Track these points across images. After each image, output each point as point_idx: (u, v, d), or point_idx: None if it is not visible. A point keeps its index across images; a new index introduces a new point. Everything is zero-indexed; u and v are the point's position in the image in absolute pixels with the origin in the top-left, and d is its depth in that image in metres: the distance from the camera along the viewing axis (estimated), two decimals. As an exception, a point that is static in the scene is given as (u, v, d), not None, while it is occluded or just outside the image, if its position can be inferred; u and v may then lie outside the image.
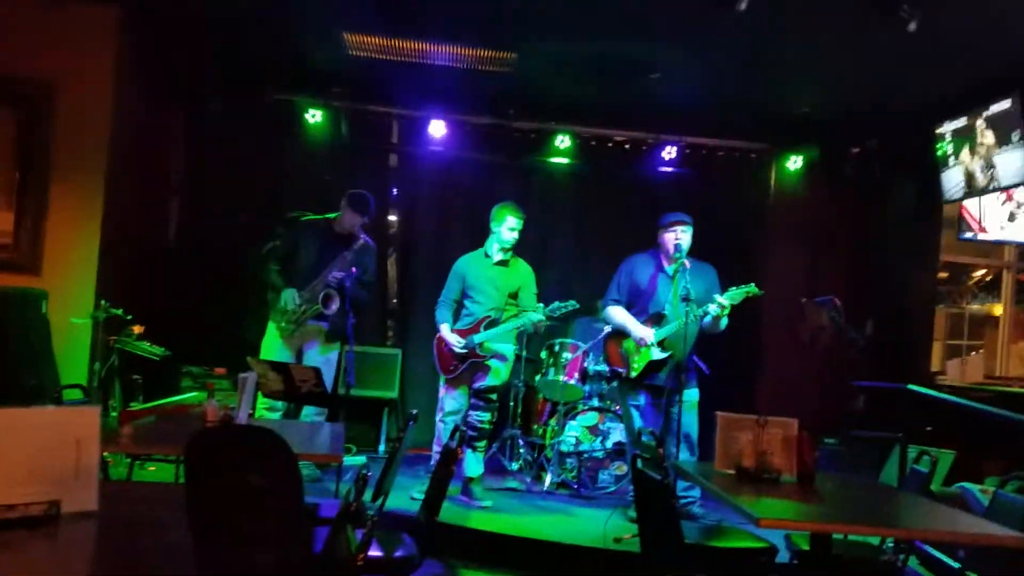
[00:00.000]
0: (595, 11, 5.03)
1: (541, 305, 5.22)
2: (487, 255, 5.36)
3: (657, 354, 4.97)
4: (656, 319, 5.04)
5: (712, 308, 4.78)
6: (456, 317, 5.42)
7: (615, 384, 5.86)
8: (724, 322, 4.91)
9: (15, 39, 5.44)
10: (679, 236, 5.01)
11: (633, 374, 5.06)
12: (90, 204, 5.53)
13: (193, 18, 5.78)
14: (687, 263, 4.92)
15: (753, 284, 4.80)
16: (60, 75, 5.48)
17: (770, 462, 3.29)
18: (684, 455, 4.94)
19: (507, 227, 5.24)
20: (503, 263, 5.34)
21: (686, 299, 4.74)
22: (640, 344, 5.01)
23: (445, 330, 5.29)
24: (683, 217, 5.07)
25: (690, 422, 5.02)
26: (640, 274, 5.16)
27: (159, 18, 5.77)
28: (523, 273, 5.41)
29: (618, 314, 5.17)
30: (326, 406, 5.31)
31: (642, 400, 5.08)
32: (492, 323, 5.25)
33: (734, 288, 4.81)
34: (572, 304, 5.19)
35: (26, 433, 2.04)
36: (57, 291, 5.32)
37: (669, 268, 5.10)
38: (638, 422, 5.05)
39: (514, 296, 5.36)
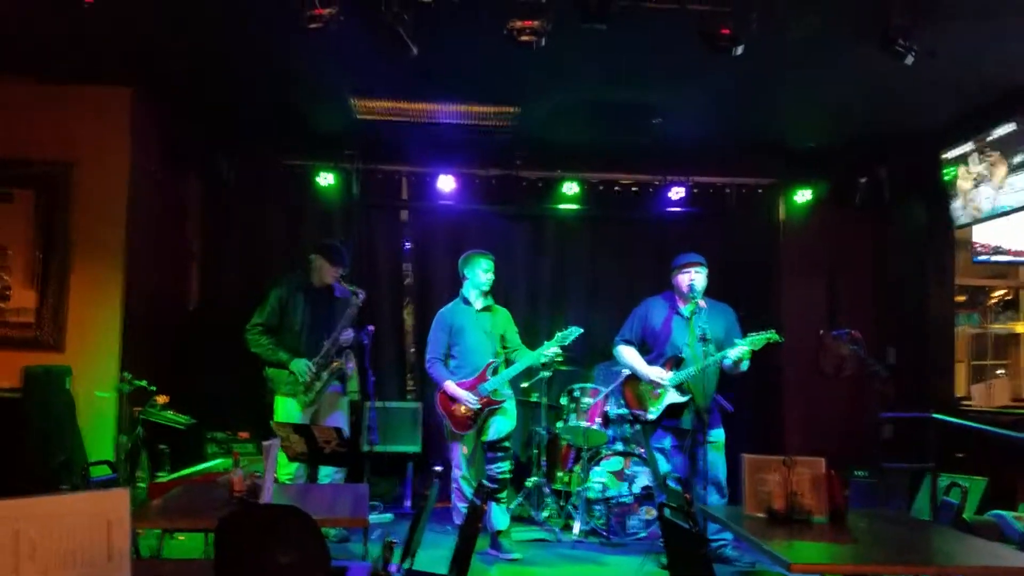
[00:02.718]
0: (594, 63, 5.12)
1: (547, 340, 5.24)
2: (467, 303, 5.40)
3: (676, 397, 4.95)
4: (675, 362, 5.03)
5: (733, 353, 4.78)
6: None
7: (638, 427, 5.84)
8: (745, 364, 4.89)
9: (32, 123, 5.61)
10: (693, 277, 5.02)
11: (651, 416, 5.04)
12: (111, 278, 5.63)
13: (204, 93, 5.93)
14: (703, 303, 4.93)
15: (774, 331, 4.80)
16: (77, 155, 5.63)
17: (800, 503, 3.27)
18: (714, 498, 4.89)
19: (482, 270, 5.35)
20: (487, 309, 5.40)
21: (703, 339, 4.74)
22: (654, 384, 4.99)
23: (452, 387, 5.26)
24: (697, 258, 5.08)
25: (718, 464, 4.97)
26: (655, 317, 5.16)
27: (171, 94, 5.93)
28: (505, 316, 5.50)
29: (628, 354, 5.17)
30: (349, 466, 5.30)
31: (666, 443, 5.04)
32: (496, 369, 5.28)
33: (754, 334, 4.80)
34: (575, 330, 5.20)
35: (58, 520, 2.07)
36: (81, 366, 5.41)
37: (684, 309, 5.10)
38: (664, 466, 5.01)
39: (502, 339, 5.42)
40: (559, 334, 5.19)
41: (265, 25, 4.64)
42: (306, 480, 5.30)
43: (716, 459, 4.96)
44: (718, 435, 5.03)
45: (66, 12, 4.47)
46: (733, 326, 5.08)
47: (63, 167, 5.62)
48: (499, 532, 5.22)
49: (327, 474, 5.34)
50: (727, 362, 4.87)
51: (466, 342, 5.33)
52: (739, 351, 4.77)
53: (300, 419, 5.29)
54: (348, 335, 5.33)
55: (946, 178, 6.06)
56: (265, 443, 3.51)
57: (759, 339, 4.78)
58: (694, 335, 4.90)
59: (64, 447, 5.00)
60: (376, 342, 5.81)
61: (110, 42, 5.01)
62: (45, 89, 5.61)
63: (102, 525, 2.15)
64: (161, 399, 5.48)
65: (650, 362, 5.13)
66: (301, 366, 5.30)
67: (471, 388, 5.24)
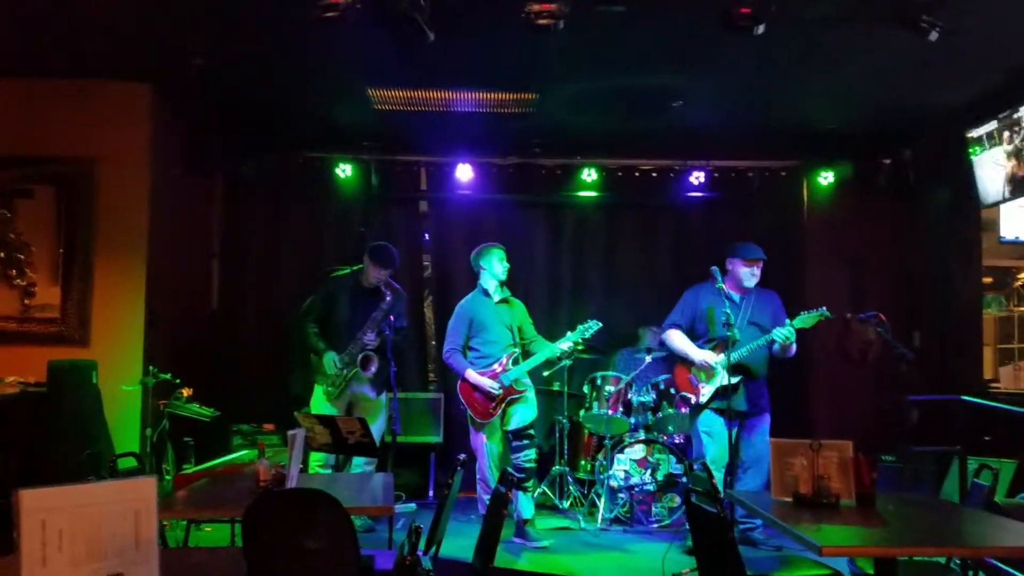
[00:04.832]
0: (612, 48, 5.07)
1: (569, 332, 5.30)
2: (487, 295, 5.42)
3: (727, 380, 4.94)
4: (724, 345, 5.02)
5: (780, 334, 4.79)
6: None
7: (671, 412, 5.85)
8: (793, 348, 4.94)
9: (54, 121, 5.66)
10: (756, 273, 5.07)
11: (702, 399, 5.05)
12: (134, 273, 5.68)
13: (223, 88, 5.95)
14: (751, 289, 4.98)
15: (824, 308, 4.81)
16: (99, 152, 5.67)
17: (827, 486, 3.23)
18: (760, 480, 4.90)
19: (498, 260, 5.40)
20: (504, 301, 5.42)
21: (752, 323, 4.81)
22: (703, 367, 5.00)
23: (474, 375, 5.27)
24: (763, 255, 5.11)
25: (764, 447, 4.97)
26: (704, 302, 5.19)
27: (191, 91, 5.94)
28: (521, 309, 5.53)
29: (676, 338, 5.18)
30: (375, 456, 5.33)
31: (714, 427, 5.04)
32: (517, 360, 5.31)
33: (804, 313, 4.83)
34: (594, 324, 5.27)
35: (86, 509, 2.08)
36: (106, 360, 5.46)
37: (735, 295, 5.12)
38: (710, 449, 5.00)
39: (519, 331, 5.44)
40: (579, 327, 5.24)
41: (281, 16, 4.64)
42: (333, 469, 5.35)
43: (763, 444, 4.95)
44: (765, 419, 5.07)
45: (83, 8, 4.49)
46: (780, 311, 5.12)
47: (84, 163, 5.66)
48: (526, 520, 5.22)
49: (357, 464, 5.42)
50: (775, 346, 4.90)
51: (487, 334, 5.35)
52: (787, 331, 4.79)
53: (328, 409, 5.38)
54: (370, 338, 5.35)
55: (972, 158, 5.95)
56: (290, 432, 3.53)
57: (811, 318, 4.81)
58: (744, 319, 4.96)
59: (91, 441, 5.05)
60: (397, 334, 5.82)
61: (128, 38, 5.02)
62: (64, 86, 5.64)
63: (130, 514, 2.15)
64: (186, 392, 5.53)
65: (700, 347, 5.14)
66: (328, 359, 5.40)
67: (492, 378, 5.25)
